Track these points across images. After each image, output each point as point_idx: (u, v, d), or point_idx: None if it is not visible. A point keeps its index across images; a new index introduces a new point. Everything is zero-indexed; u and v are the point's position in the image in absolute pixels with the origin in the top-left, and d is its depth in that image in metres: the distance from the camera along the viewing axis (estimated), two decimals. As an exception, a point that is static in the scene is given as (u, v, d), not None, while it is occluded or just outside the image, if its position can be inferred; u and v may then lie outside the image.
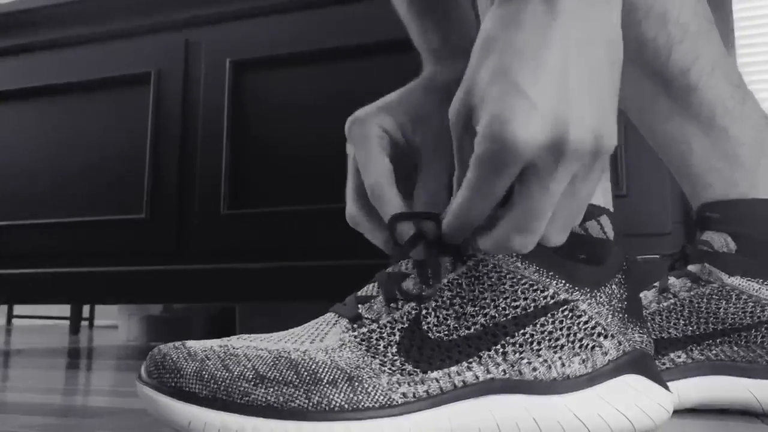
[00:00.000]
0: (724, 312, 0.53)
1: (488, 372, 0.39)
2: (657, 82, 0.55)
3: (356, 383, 0.37)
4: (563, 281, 0.41)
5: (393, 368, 0.38)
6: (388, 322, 0.39)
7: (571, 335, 0.40)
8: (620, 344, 0.42)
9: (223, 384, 0.36)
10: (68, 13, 1.30)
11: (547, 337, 0.40)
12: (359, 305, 0.41)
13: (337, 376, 0.37)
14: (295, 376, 0.36)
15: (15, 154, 1.32)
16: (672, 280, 0.56)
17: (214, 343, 0.39)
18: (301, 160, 1.13)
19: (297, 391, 0.36)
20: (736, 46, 1.23)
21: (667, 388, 0.43)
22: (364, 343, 0.39)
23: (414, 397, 0.38)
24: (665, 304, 0.54)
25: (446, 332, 0.39)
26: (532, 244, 0.34)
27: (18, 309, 3.62)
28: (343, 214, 0.46)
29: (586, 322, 0.41)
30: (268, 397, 0.36)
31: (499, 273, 0.40)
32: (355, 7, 1.12)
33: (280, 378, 0.36)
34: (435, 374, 0.38)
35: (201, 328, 1.84)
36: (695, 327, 0.53)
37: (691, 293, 0.54)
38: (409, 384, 0.38)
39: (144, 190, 1.20)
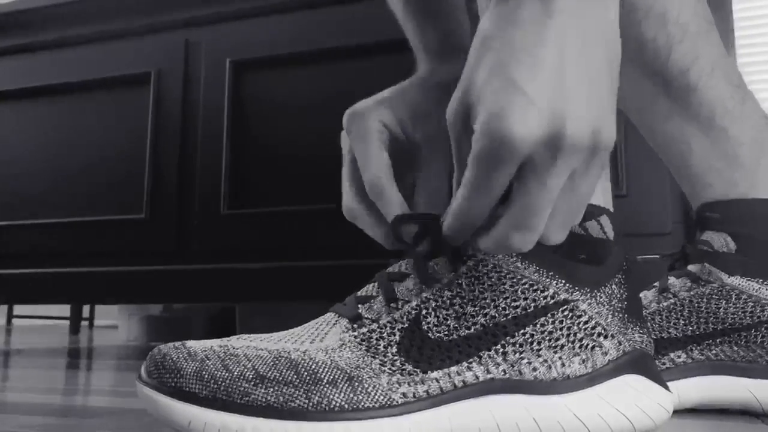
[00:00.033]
0: (724, 312, 0.53)
1: (488, 372, 0.39)
2: (657, 82, 0.55)
3: (356, 383, 0.37)
4: (563, 281, 0.41)
5: (393, 368, 0.38)
6: (388, 322, 0.39)
7: (571, 335, 0.40)
8: (620, 344, 0.42)
9: (223, 384, 0.36)
10: (68, 13, 1.30)
11: (547, 337, 0.40)
12: (359, 305, 0.41)
13: (337, 376, 0.37)
14: (295, 376, 0.36)
15: (15, 154, 1.32)
16: (672, 280, 0.56)
17: (214, 343, 0.39)
18: (301, 160, 1.13)
19: (297, 391, 0.36)
20: (736, 46, 1.23)
21: (667, 388, 0.43)
22: (364, 343, 0.39)
23: (414, 397, 0.38)
24: (665, 304, 0.54)
25: (446, 332, 0.39)
26: (531, 242, 0.34)
27: (18, 309, 3.62)
28: (343, 214, 0.45)
29: (586, 322, 0.41)
30: (268, 397, 0.36)
31: (499, 273, 0.40)
32: (355, 7, 1.12)
33: (280, 378, 0.36)
34: (435, 374, 0.38)
35: (201, 328, 1.84)
36: (695, 327, 0.53)
37: (691, 293, 0.54)
38: (409, 384, 0.38)
39: (144, 190, 1.20)
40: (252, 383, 0.36)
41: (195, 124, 1.19)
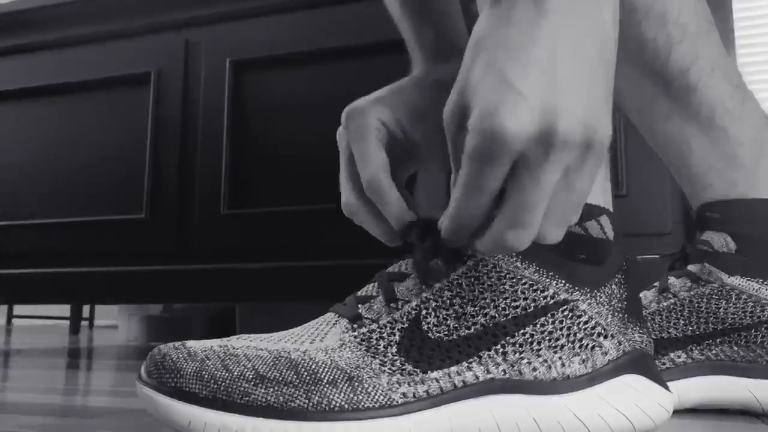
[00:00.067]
0: (724, 312, 0.53)
1: (488, 372, 0.39)
2: (657, 83, 0.55)
3: (356, 383, 0.37)
4: (563, 281, 0.41)
5: (393, 368, 0.38)
6: (388, 322, 0.39)
7: (571, 335, 0.40)
8: (620, 344, 0.42)
9: (223, 384, 0.36)
10: (68, 13, 1.30)
11: (547, 337, 0.40)
12: (359, 305, 0.41)
13: (337, 376, 0.37)
14: (295, 376, 0.36)
15: (15, 154, 1.32)
16: (672, 280, 0.56)
17: (214, 343, 0.39)
18: (301, 160, 1.13)
19: (297, 391, 0.36)
20: (736, 46, 1.23)
21: (667, 388, 0.43)
22: (364, 343, 0.39)
23: (414, 397, 0.38)
24: (665, 304, 0.54)
25: (446, 332, 0.39)
26: (527, 240, 0.34)
27: (18, 309, 3.62)
28: (342, 214, 0.45)
29: (586, 322, 0.41)
30: (268, 397, 0.36)
31: (499, 273, 0.40)
32: (355, 7, 1.12)
33: (280, 378, 0.36)
34: (435, 374, 0.38)
35: (201, 328, 1.84)
36: (695, 327, 0.53)
37: (691, 293, 0.54)
38: (409, 384, 0.38)
39: (144, 190, 1.20)
40: (252, 383, 0.36)
41: (195, 124, 1.19)
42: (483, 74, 0.32)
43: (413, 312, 0.40)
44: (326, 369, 0.37)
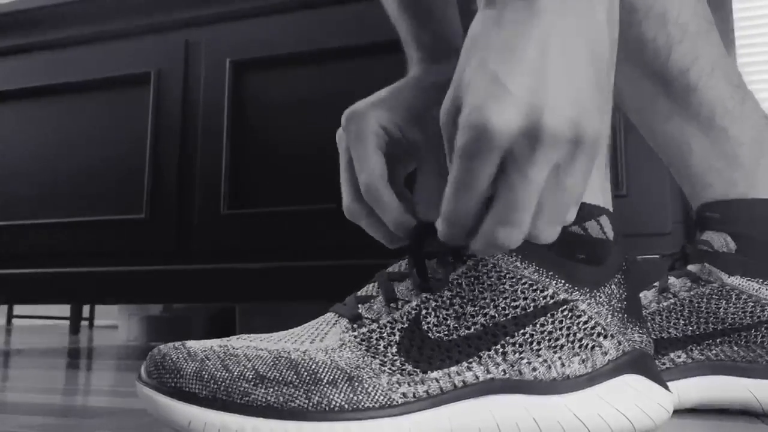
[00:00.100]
0: (724, 312, 0.53)
1: (488, 372, 0.39)
2: (657, 83, 0.55)
3: (356, 383, 0.37)
4: (563, 281, 0.41)
5: (393, 368, 0.38)
6: (388, 322, 0.39)
7: (571, 335, 0.40)
8: (620, 344, 0.42)
9: (223, 384, 0.36)
10: (68, 13, 1.30)
11: (547, 337, 0.40)
12: (359, 305, 0.41)
13: (337, 376, 0.37)
14: (295, 376, 0.36)
15: (15, 154, 1.32)
16: (672, 279, 0.56)
17: (214, 343, 0.39)
18: (301, 160, 1.13)
19: (297, 391, 0.36)
20: (736, 46, 1.23)
21: (667, 388, 0.43)
22: (364, 343, 0.39)
23: (414, 397, 0.38)
24: (665, 304, 0.54)
25: (446, 332, 0.39)
26: (517, 238, 0.33)
27: (18, 309, 3.62)
28: (342, 214, 0.46)
29: (585, 322, 0.41)
30: (268, 397, 0.36)
31: (499, 273, 0.40)
32: (355, 7, 1.12)
33: (280, 378, 0.36)
34: (435, 374, 0.38)
35: (201, 328, 1.84)
36: (695, 327, 0.53)
37: (691, 293, 0.54)
38: (409, 384, 0.38)
39: (144, 190, 1.20)
40: (252, 383, 0.36)
41: (195, 124, 1.19)
42: (475, 73, 0.32)
43: (413, 312, 0.40)
44: (326, 369, 0.37)
